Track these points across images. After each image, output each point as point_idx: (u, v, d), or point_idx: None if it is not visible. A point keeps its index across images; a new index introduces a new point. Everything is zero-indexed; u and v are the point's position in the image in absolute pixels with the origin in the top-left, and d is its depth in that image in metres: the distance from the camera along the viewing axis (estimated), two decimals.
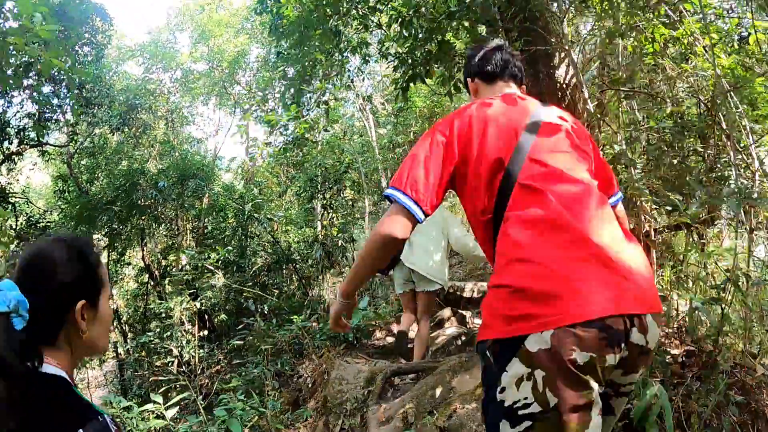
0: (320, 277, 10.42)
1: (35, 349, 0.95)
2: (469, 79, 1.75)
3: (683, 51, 3.57)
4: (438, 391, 3.50)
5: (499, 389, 1.18)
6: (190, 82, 18.88)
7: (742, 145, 2.67)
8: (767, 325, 2.20)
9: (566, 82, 4.34)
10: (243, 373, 5.17)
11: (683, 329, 2.40)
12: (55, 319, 1.00)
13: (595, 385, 1.14)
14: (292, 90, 7.29)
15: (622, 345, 1.15)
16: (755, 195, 2.24)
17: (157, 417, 3.24)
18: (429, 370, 3.82)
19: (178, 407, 3.62)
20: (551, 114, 1.49)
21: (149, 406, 3.26)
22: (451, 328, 5.25)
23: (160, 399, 3.26)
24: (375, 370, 4.11)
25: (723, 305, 1.75)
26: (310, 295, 9.02)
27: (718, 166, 2.72)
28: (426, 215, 1.39)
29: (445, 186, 1.42)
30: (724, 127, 2.58)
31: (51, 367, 0.97)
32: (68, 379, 0.99)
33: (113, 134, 12.25)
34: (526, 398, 1.13)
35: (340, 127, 15.40)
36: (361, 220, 19.85)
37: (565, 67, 4.35)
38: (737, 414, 1.86)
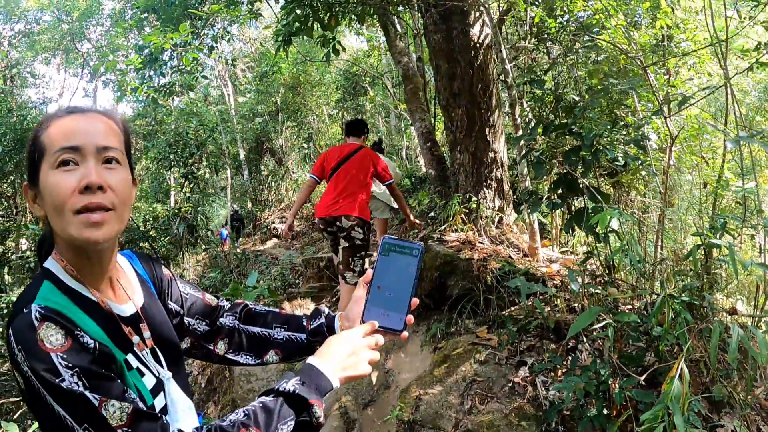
0: (180, 255, 9.51)
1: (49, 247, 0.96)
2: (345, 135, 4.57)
3: (594, 24, 3.75)
4: (373, 377, 3.13)
5: None
6: (35, 33, 16.53)
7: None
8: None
9: (480, 41, 4.17)
10: None
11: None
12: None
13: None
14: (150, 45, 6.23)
15: (333, 224, 4.11)
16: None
17: None
18: None
19: None
20: (354, 154, 4.22)
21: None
22: None
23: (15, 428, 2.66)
24: None
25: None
26: None
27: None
28: (320, 179, 4.32)
29: (321, 168, 4.31)
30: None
31: (50, 260, 0.94)
32: (54, 271, 0.91)
33: None
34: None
35: (195, 95, 13.89)
36: (215, 195, 18.27)
37: (480, 26, 4.17)
38: None
